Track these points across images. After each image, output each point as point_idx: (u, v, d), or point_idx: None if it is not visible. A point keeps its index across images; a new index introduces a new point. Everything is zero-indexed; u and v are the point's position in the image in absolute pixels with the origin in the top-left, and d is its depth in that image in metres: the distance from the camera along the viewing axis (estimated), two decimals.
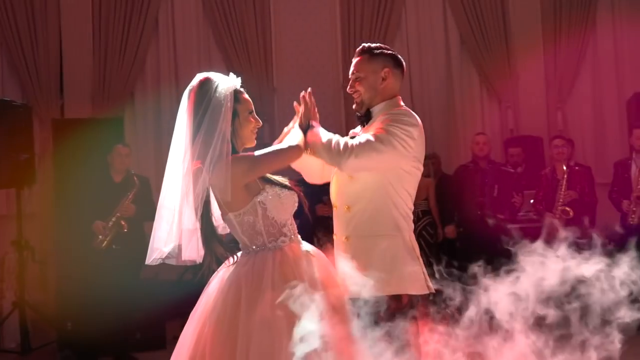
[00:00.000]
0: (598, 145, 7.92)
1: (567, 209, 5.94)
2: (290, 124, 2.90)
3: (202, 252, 2.57)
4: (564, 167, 6.04)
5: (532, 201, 6.39)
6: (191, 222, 2.52)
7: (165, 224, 2.57)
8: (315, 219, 5.81)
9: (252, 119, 2.63)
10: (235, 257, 2.58)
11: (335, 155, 2.65)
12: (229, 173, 2.43)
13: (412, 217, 2.82)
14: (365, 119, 2.88)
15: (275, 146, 2.67)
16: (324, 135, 2.74)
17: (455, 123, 8.09)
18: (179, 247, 2.53)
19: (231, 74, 2.67)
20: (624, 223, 5.84)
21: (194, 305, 2.57)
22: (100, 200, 5.55)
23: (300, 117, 2.79)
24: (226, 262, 2.60)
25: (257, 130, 2.68)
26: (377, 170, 2.72)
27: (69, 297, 5.83)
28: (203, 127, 2.50)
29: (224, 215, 2.59)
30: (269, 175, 2.63)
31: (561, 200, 6.00)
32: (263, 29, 7.95)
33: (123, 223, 5.50)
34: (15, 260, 6.08)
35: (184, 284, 6.78)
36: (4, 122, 5.47)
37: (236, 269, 2.53)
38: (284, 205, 2.57)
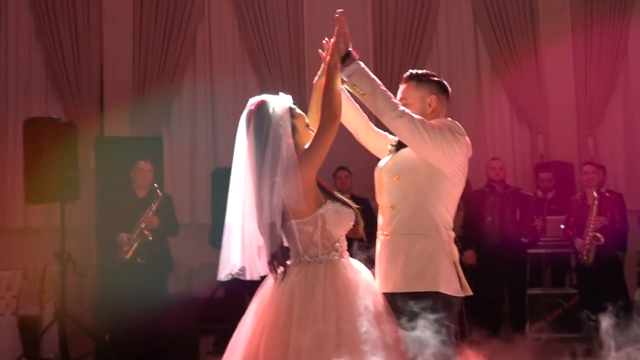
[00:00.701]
0: (629, 171, 7.92)
1: (598, 235, 5.96)
2: (319, 74, 2.95)
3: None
4: (595, 193, 6.07)
5: (562, 226, 6.42)
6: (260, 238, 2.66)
7: (235, 240, 2.70)
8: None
9: (309, 131, 2.77)
10: (285, 266, 2.69)
11: (387, 105, 2.73)
12: (299, 182, 2.59)
13: (451, 224, 2.88)
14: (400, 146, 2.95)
15: (319, 130, 2.72)
16: (374, 84, 2.78)
17: (485, 148, 8.16)
18: (247, 267, 2.68)
19: (281, 93, 2.83)
20: None
21: (227, 322, 2.68)
22: (125, 215, 5.76)
23: (337, 43, 2.80)
24: (272, 273, 2.71)
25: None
26: (423, 164, 2.80)
27: (107, 310, 6.01)
28: (269, 145, 2.65)
29: (284, 222, 2.69)
30: (334, 192, 2.78)
31: (592, 226, 6.01)
32: (297, 51, 8.14)
33: (147, 233, 5.70)
34: (57, 273, 6.28)
35: (216, 301, 6.93)
36: (51, 139, 5.71)
37: (288, 278, 2.65)
38: (342, 221, 2.70)
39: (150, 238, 5.72)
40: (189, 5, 8.05)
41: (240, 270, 2.70)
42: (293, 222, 2.67)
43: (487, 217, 6.28)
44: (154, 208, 5.80)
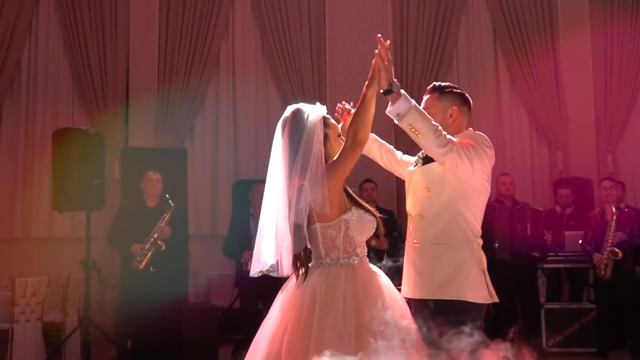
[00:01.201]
0: None
1: (616, 250, 5.97)
2: (346, 106, 3.03)
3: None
4: (613, 209, 6.09)
5: (580, 241, 6.44)
6: (289, 238, 2.76)
7: (268, 239, 2.80)
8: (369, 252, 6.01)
9: (340, 141, 2.87)
10: (307, 267, 2.80)
11: (439, 144, 2.78)
12: (325, 188, 2.69)
13: (479, 232, 2.98)
14: (427, 159, 3.04)
15: (344, 151, 2.78)
16: (422, 117, 2.79)
17: (504, 164, 8.19)
18: (279, 262, 2.77)
19: (317, 103, 2.93)
20: None
21: (243, 332, 2.76)
22: (136, 225, 5.89)
23: (380, 80, 2.73)
24: (294, 273, 2.82)
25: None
26: (452, 178, 2.90)
27: (128, 317, 6.12)
28: (300, 150, 2.77)
29: (309, 225, 2.79)
30: (359, 199, 2.87)
31: (610, 241, 6.03)
32: (318, 67, 8.28)
33: (160, 243, 5.82)
34: (80, 280, 6.41)
35: (234, 311, 7.01)
36: (78, 149, 5.88)
37: (310, 279, 2.75)
38: (364, 227, 2.78)
39: (163, 248, 5.84)
40: (214, 21, 8.23)
41: (271, 267, 2.79)
42: (317, 225, 2.78)
43: (498, 232, 6.31)
44: (166, 218, 5.93)
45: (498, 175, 6.73)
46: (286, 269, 2.78)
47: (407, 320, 2.70)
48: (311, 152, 2.75)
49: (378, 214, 2.86)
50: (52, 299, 6.68)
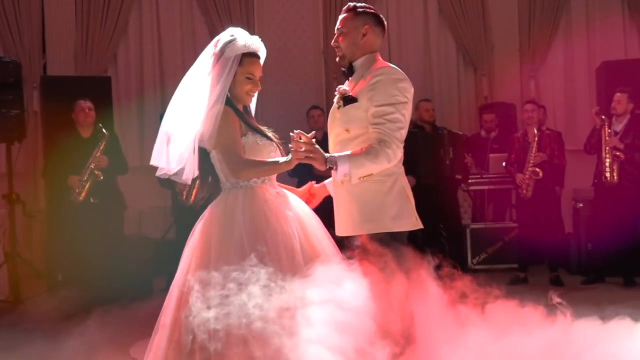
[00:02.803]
0: (568, 112, 8.23)
1: (537, 169, 6.24)
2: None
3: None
4: (535, 130, 6.32)
5: (504, 164, 6.69)
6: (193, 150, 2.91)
7: (174, 147, 2.93)
8: (315, 177, 6.06)
9: (247, 84, 2.94)
10: (205, 194, 2.99)
11: (379, 157, 2.88)
12: (215, 124, 2.83)
13: (401, 160, 3.06)
14: (348, 72, 3.14)
15: (269, 160, 2.90)
16: (358, 158, 2.88)
17: (432, 90, 8.32)
18: (184, 169, 2.90)
19: (255, 37, 2.99)
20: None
21: (178, 263, 2.89)
22: (72, 156, 5.73)
23: (316, 168, 2.88)
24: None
25: (252, 94, 3.00)
26: (361, 111, 2.99)
27: (58, 250, 6.00)
28: (219, 77, 2.90)
29: (211, 153, 2.91)
30: (254, 123, 2.97)
31: (531, 161, 6.28)
32: None
33: (98, 173, 5.71)
34: (5, 215, 6.20)
35: (168, 243, 6.99)
36: None
37: (213, 204, 2.91)
38: (261, 151, 2.89)
39: (102, 178, 5.72)
40: None
41: (176, 173, 2.92)
42: (214, 152, 2.88)
43: (421, 157, 6.48)
44: (101, 147, 5.78)
45: (418, 102, 6.83)
46: (189, 175, 2.89)
47: (314, 236, 2.89)
48: (219, 82, 2.87)
49: (276, 138, 2.99)
50: None
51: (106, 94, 6.72)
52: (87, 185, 5.73)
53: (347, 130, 3.02)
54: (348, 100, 3.03)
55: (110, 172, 5.91)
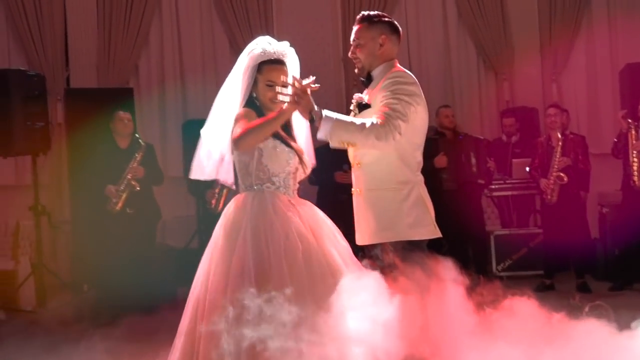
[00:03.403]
0: (592, 116, 8.13)
1: (562, 174, 6.16)
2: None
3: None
4: (559, 135, 6.25)
5: (527, 169, 6.62)
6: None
7: (208, 154, 3.02)
8: (336, 185, 6.12)
9: (268, 91, 2.95)
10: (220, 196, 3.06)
11: (368, 133, 2.83)
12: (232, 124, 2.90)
13: (419, 166, 3.06)
14: (367, 82, 3.14)
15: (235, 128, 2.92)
16: (345, 122, 2.88)
17: (452, 95, 8.27)
18: (217, 171, 3.02)
19: (280, 43, 3.02)
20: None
21: None
22: (109, 166, 5.77)
23: (304, 112, 2.86)
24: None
25: (277, 101, 2.93)
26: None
27: (85, 261, 6.05)
28: (242, 87, 2.99)
29: (232, 154, 2.98)
30: (281, 132, 2.96)
31: (556, 166, 6.20)
32: (265, 1, 8.09)
33: (134, 183, 5.75)
34: (31, 227, 6.28)
35: (191, 252, 7.01)
36: (19, 92, 5.66)
37: (224, 213, 2.94)
38: (278, 157, 2.89)
39: (138, 188, 5.77)
40: None
41: (208, 174, 3.03)
42: (235, 153, 2.93)
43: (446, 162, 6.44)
44: (138, 158, 5.83)
45: (438, 108, 6.80)
46: (223, 177, 3.01)
47: (331, 248, 2.84)
48: (241, 92, 2.96)
49: (298, 147, 2.98)
50: (2, 247, 6.56)
51: (129, 105, 6.78)
52: (124, 195, 5.78)
53: None
54: (363, 107, 3.06)
55: (146, 182, 5.96)
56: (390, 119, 2.85)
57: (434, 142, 6.51)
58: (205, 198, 6.11)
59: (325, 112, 2.83)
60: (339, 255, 2.84)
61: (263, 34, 8.55)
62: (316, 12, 8.27)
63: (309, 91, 2.80)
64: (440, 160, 6.40)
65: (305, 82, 2.80)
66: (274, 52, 2.96)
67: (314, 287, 2.64)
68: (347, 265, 2.81)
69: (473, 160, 6.61)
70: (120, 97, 6.99)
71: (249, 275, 2.63)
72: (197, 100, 7.98)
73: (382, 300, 2.62)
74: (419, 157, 3.07)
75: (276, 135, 2.91)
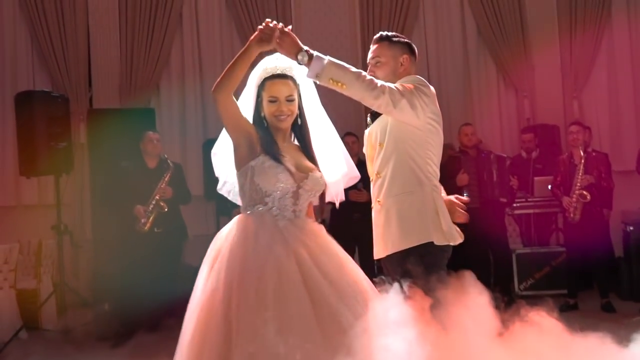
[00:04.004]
0: (614, 133, 8.04)
1: (585, 192, 6.09)
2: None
3: None
4: (581, 152, 6.19)
5: (549, 187, 6.56)
6: None
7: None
8: (350, 204, 6.08)
9: (271, 106, 2.80)
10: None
11: (368, 86, 2.77)
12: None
13: (435, 175, 3.04)
14: (374, 116, 3.12)
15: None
16: (341, 65, 2.77)
17: (472, 113, 8.24)
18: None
19: (279, 57, 2.85)
20: None
21: None
22: (138, 186, 5.81)
23: (288, 53, 2.70)
24: None
25: (282, 117, 2.80)
26: (395, 126, 2.98)
27: (106, 280, 6.08)
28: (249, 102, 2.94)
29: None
30: (276, 148, 2.75)
31: (578, 184, 6.14)
32: (284, 19, 8.14)
33: (162, 204, 5.78)
34: (53, 246, 6.33)
35: None
36: (43, 112, 5.74)
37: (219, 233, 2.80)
38: (267, 174, 2.68)
39: (166, 209, 5.80)
40: None
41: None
42: (237, 174, 2.82)
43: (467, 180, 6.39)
44: (166, 179, 5.87)
45: (460, 126, 6.79)
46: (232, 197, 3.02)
47: (333, 273, 2.60)
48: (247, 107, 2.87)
49: (288, 162, 2.72)
50: (25, 266, 6.62)
51: (150, 125, 6.84)
52: (152, 216, 5.81)
53: (380, 145, 3.04)
54: (375, 115, 3.08)
55: (174, 201, 6.00)
56: (400, 91, 2.86)
57: (457, 160, 6.49)
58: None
59: (318, 53, 2.71)
60: (354, 283, 2.63)
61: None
62: (335, 33, 8.31)
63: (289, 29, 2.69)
64: (462, 179, 6.35)
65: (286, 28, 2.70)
66: (275, 67, 2.82)
67: (321, 329, 2.42)
68: (362, 293, 2.61)
69: (495, 178, 6.55)
70: (142, 117, 7.07)
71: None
72: (217, 119, 7.96)
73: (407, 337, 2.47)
74: (435, 164, 3.06)
75: (268, 150, 2.73)
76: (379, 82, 2.83)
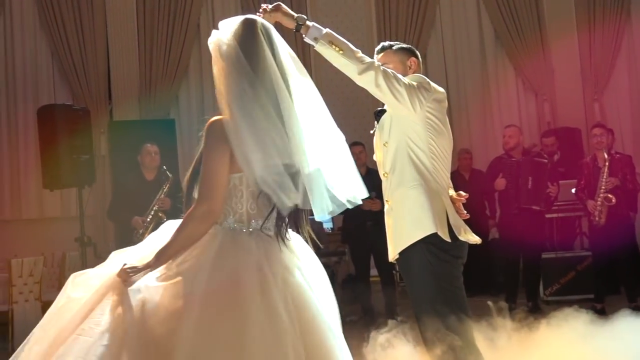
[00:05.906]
0: (636, 134, 7.96)
1: (610, 195, 6.00)
2: None
3: None
4: (605, 155, 6.11)
5: (573, 190, 6.47)
6: None
7: None
8: (362, 212, 6.03)
9: None
10: None
11: (359, 59, 2.84)
12: None
13: (440, 173, 3.01)
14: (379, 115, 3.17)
15: None
16: (342, 39, 2.87)
17: (492, 117, 8.20)
18: None
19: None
20: None
21: None
22: (136, 198, 5.84)
23: (284, 20, 2.76)
24: None
25: None
26: (395, 121, 3.01)
27: None
28: None
29: None
30: None
31: (603, 187, 6.05)
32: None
33: (161, 215, 5.79)
34: (76, 258, 6.37)
35: None
36: (65, 126, 5.79)
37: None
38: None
39: (165, 220, 5.79)
40: None
41: None
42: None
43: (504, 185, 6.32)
44: (165, 190, 5.88)
45: (504, 129, 6.77)
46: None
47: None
48: None
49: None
50: (50, 278, 6.66)
51: (170, 136, 6.89)
52: (151, 227, 5.81)
53: (385, 145, 3.07)
54: (379, 113, 3.13)
55: (174, 214, 5.98)
56: (395, 76, 2.88)
57: (500, 163, 6.46)
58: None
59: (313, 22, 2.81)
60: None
61: (298, 57, 8.59)
62: (351, 40, 8.23)
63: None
64: (499, 183, 6.31)
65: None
66: None
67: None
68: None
69: (530, 185, 6.33)
70: (162, 127, 7.11)
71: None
72: None
73: None
74: (438, 161, 3.04)
75: None
76: (374, 61, 2.88)
